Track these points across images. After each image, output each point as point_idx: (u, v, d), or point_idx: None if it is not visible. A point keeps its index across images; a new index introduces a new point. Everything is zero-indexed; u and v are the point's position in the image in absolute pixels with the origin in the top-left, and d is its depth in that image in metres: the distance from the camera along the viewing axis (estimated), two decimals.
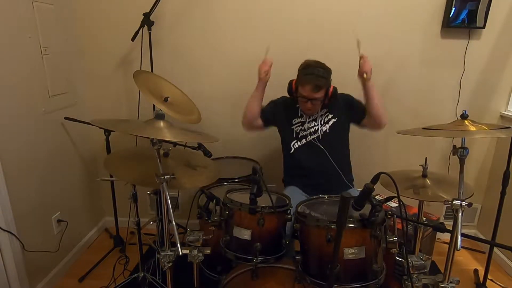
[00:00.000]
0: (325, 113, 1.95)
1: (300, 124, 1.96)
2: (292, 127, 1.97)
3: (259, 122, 1.96)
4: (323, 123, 1.94)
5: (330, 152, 1.92)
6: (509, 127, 1.21)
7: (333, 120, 1.94)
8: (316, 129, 1.93)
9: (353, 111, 1.94)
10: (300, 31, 2.23)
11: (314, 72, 1.80)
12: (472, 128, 1.20)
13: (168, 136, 1.15)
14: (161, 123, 1.19)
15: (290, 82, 1.90)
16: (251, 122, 1.95)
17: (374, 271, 1.22)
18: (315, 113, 1.92)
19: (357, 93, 2.31)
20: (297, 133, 1.96)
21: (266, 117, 1.97)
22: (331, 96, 1.84)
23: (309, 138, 1.94)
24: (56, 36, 2.09)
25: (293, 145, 1.98)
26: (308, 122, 1.94)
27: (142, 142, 2.30)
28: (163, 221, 1.31)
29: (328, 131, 1.92)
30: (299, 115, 1.96)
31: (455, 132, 1.24)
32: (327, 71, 1.84)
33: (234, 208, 1.36)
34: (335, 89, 1.85)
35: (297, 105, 1.96)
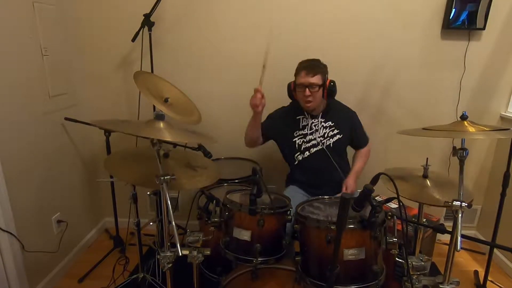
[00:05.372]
0: (330, 126, 1.94)
1: (302, 136, 1.95)
2: (294, 140, 1.96)
3: (260, 140, 1.99)
4: (327, 137, 1.93)
5: (333, 164, 1.92)
6: (508, 129, 1.21)
7: (338, 136, 1.94)
8: (319, 141, 1.92)
9: (352, 139, 2.02)
10: (300, 32, 2.23)
11: (308, 62, 1.86)
12: (471, 129, 1.20)
13: (167, 136, 1.15)
14: (161, 124, 1.19)
15: (289, 84, 1.91)
16: (252, 145, 2.01)
17: (374, 272, 1.22)
18: (316, 108, 1.90)
19: (357, 93, 2.33)
20: (300, 145, 1.95)
21: (264, 133, 1.97)
22: (328, 88, 1.84)
23: (312, 150, 1.94)
24: (56, 37, 2.09)
25: (297, 157, 1.98)
26: (310, 134, 1.94)
27: (142, 143, 2.30)
28: (163, 221, 1.31)
29: (331, 145, 1.92)
30: (301, 127, 1.96)
31: (455, 133, 1.24)
32: (321, 62, 1.87)
33: (234, 209, 1.36)
34: (333, 82, 1.85)
35: (298, 117, 1.96)
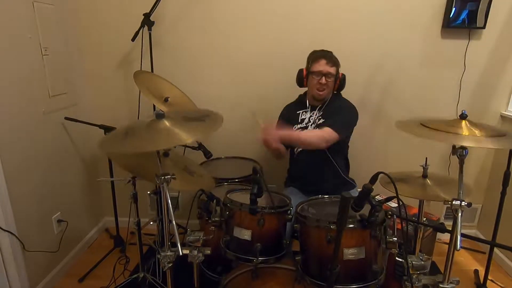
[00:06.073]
0: (321, 119, 1.91)
1: (300, 130, 1.95)
2: None
3: (285, 149, 1.95)
4: (316, 128, 1.91)
5: (325, 156, 1.90)
6: (504, 135, 1.15)
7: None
8: None
9: None
10: (300, 31, 2.23)
11: (325, 52, 1.87)
12: (465, 132, 1.15)
13: (182, 137, 1.13)
14: (166, 123, 1.16)
15: (300, 70, 1.91)
16: (281, 158, 1.97)
17: (374, 272, 1.22)
18: (326, 97, 1.89)
19: (357, 92, 2.32)
20: None
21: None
22: (340, 81, 1.88)
23: None
24: (56, 36, 2.09)
25: (295, 150, 1.99)
26: (306, 128, 1.93)
27: None
28: (163, 221, 1.31)
29: None
30: (299, 121, 1.96)
31: (445, 135, 1.16)
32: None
33: (234, 208, 1.36)
34: (344, 76, 1.89)
35: (298, 112, 1.97)
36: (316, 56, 1.86)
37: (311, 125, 1.93)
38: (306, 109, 1.97)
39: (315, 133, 1.79)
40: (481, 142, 1.14)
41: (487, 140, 1.13)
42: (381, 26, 2.21)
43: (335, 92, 1.92)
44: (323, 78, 1.82)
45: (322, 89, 1.85)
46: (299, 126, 1.96)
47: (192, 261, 1.33)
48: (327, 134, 1.74)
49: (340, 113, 1.87)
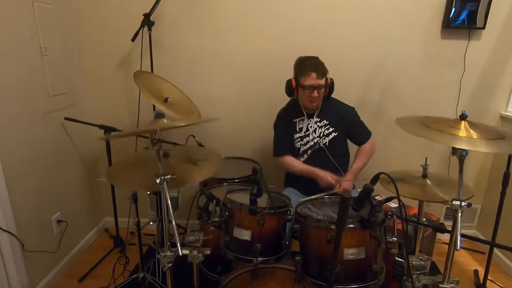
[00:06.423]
0: (325, 125, 1.92)
1: (299, 139, 1.95)
2: (294, 143, 1.97)
3: None
4: (323, 136, 1.91)
5: (331, 163, 1.91)
6: (504, 138, 1.12)
7: (333, 134, 1.91)
8: (316, 142, 1.92)
9: (349, 135, 1.98)
10: (300, 31, 2.23)
11: (313, 61, 1.82)
12: (462, 134, 1.14)
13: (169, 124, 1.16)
14: (164, 120, 1.19)
15: (289, 81, 1.87)
16: None
17: (374, 272, 1.23)
18: (318, 106, 1.89)
19: (357, 93, 2.32)
20: (298, 149, 1.96)
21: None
22: (330, 87, 1.85)
23: (310, 152, 1.94)
24: (56, 36, 2.09)
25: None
26: (306, 136, 1.93)
27: (142, 148, 2.30)
28: (163, 221, 1.31)
29: (327, 144, 1.91)
30: (297, 130, 1.95)
31: (441, 136, 1.15)
32: (320, 60, 1.86)
33: (234, 208, 1.36)
34: (332, 80, 1.86)
35: (294, 120, 1.96)
36: (304, 68, 1.81)
37: (313, 133, 1.92)
38: (302, 116, 1.95)
39: (364, 159, 1.96)
40: (477, 145, 1.10)
41: (485, 143, 1.10)
42: (381, 26, 2.21)
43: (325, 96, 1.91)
44: (315, 91, 1.80)
45: (314, 101, 1.84)
46: (298, 135, 1.95)
47: (192, 261, 1.33)
48: (370, 148, 1.98)
49: (351, 120, 1.96)
